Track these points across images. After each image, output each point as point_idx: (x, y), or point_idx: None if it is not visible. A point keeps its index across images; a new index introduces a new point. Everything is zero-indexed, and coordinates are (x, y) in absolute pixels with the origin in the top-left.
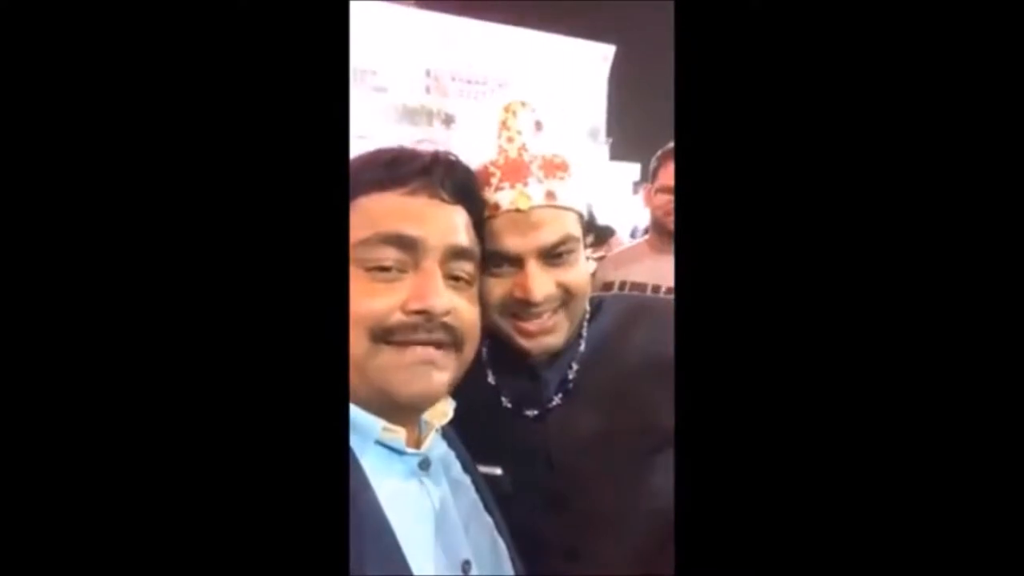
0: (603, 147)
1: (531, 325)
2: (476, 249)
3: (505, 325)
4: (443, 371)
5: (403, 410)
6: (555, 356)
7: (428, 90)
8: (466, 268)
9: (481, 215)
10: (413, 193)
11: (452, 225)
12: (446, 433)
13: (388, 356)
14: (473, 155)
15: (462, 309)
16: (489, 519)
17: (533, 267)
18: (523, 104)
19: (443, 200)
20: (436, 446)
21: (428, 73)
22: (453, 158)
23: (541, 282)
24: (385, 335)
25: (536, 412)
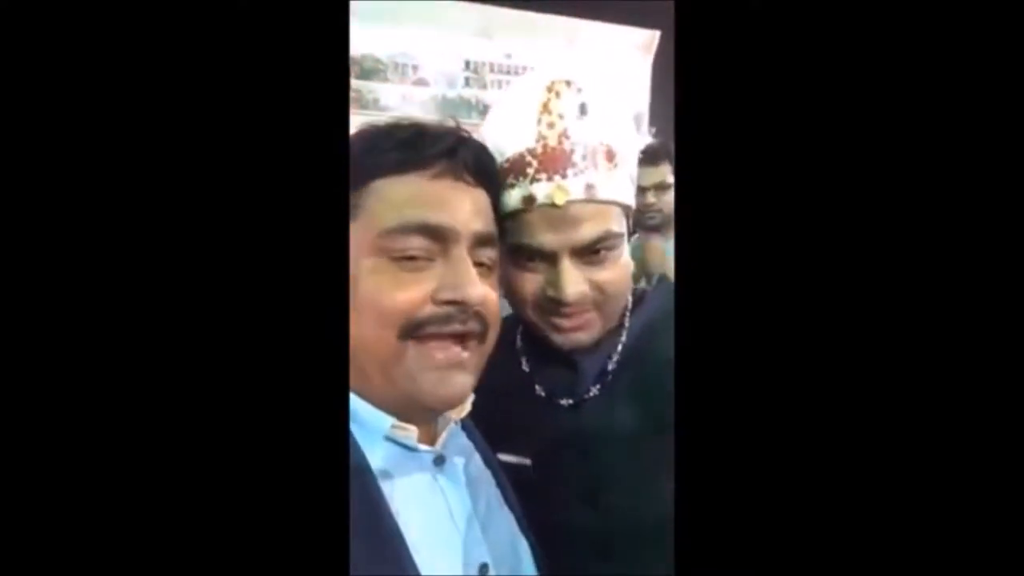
0: (646, 136)
1: (564, 322)
2: (496, 234)
3: (538, 320)
4: (469, 372)
5: (427, 412)
6: (595, 346)
7: (468, 82)
8: (489, 254)
9: (498, 197)
10: (437, 176)
11: (477, 210)
12: (465, 425)
13: (415, 357)
14: (509, 141)
15: (491, 297)
16: (511, 515)
17: (566, 265)
18: (568, 84)
19: (467, 183)
20: (453, 441)
21: (468, 65)
22: (478, 138)
23: (574, 281)
24: (415, 329)
25: (572, 402)
